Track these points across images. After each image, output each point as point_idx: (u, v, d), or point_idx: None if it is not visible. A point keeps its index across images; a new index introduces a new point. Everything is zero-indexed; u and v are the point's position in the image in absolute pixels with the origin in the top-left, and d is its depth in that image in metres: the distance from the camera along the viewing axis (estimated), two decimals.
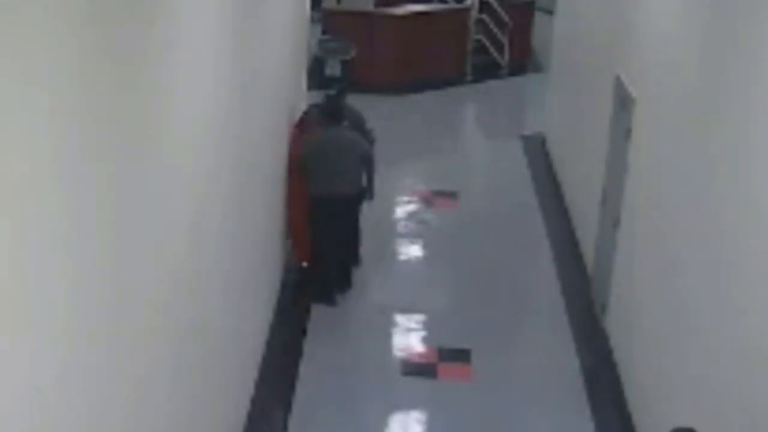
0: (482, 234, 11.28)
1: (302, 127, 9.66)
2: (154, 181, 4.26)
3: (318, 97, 11.05)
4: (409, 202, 11.91)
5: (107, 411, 3.74)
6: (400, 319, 9.33)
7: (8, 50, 2.61)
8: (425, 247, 10.71)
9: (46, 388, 3.06)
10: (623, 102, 8.80)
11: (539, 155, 13.63)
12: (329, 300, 9.40)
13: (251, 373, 7.86)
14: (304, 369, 8.39)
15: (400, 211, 11.69)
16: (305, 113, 9.95)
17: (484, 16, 17.59)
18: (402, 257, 10.61)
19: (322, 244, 9.39)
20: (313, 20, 13.41)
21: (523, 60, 18.05)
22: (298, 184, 9.38)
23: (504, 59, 17.70)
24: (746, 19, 5.69)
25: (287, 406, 7.84)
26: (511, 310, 9.66)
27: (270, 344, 8.57)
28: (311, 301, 9.40)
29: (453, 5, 17.27)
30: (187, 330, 5.21)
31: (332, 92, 9.56)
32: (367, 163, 9.23)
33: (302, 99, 11.30)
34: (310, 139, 9.24)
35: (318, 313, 9.30)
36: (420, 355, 8.75)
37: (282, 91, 9.13)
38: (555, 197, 12.12)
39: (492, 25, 17.60)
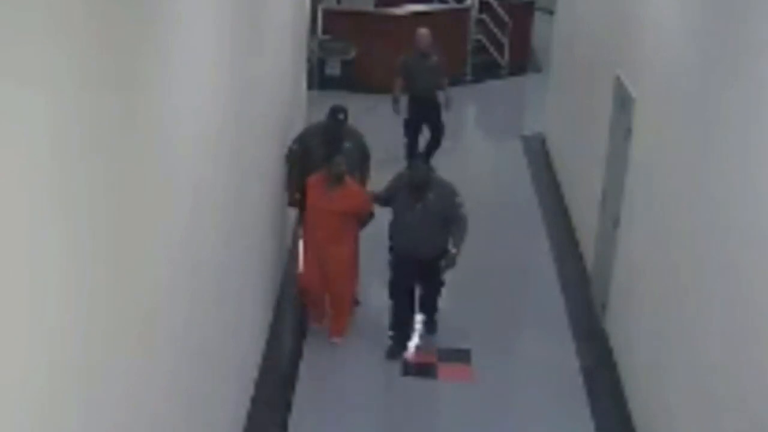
0: (482, 233, 11.26)
1: (304, 161, 8.97)
2: (151, 182, 4.26)
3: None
4: None
5: (104, 411, 3.74)
6: None
7: (7, 49, 2.61)
8: None
9: (43, 388, 3.06)
10: (623, 102, 8.80)
11: (539, 155, 13.63)
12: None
13: (251, 373, 7.85)
14: (304, 369, 8.38)
15: None
16: (302, 143, 9.09)
17: (484, 16, 17.61)
18: None
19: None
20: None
21: (523, 60, 18.06)
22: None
23: (504, 59, 17.71)
24: (746, 17, 5.69)
25: (287, 406, 7.84)
26: (511, 310, 9.66)
27: (270, 344, 8.57)
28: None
29: (453, 5, 17.28)
30: (186, 330, 5.21)
31: (341, 116, 9.13)
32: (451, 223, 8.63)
33: (302, 101, 11.29)
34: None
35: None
36: (420, 355, 8.75)
37: (281, 93, 9.13)
38: (555, 197, 12.12)
39: (492, 25, 17.62)
